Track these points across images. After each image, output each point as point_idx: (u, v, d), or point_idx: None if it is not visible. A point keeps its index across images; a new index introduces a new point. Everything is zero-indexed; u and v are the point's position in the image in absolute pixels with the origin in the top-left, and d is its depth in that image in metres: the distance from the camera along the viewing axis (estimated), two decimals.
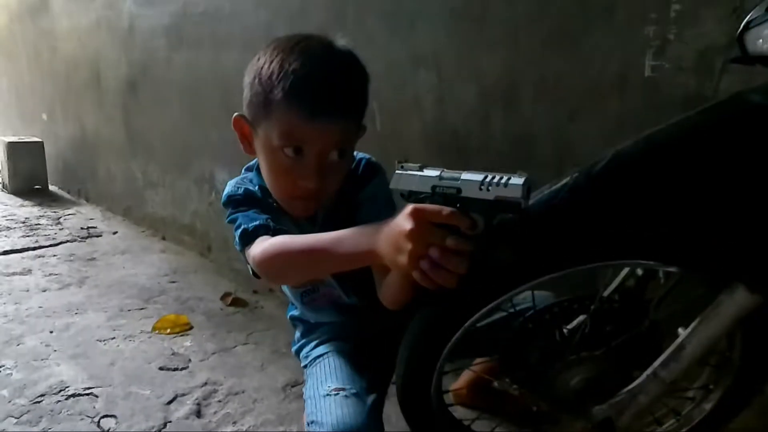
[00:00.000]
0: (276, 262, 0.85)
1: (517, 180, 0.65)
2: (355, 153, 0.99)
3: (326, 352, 1.07)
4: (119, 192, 3.24)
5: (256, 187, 0.97)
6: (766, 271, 0.73)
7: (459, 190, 0.68)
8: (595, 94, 1.24)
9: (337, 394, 0.97)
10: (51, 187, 3.90)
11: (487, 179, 0.66)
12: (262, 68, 0.84)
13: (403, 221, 0.67)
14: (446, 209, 0.66)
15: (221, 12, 2.22)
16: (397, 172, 0.73)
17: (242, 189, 0.97)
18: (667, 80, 1.14)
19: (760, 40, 0.66)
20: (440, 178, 0.70)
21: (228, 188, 0.99)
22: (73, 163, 3.76)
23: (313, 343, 1.12)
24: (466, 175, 0.68)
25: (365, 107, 0.90)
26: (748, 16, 0.69)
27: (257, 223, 0.90)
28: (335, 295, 1.07)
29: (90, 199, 3.60)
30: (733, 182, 0.70)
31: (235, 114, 0.90)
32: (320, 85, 0.80)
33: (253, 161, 0.99)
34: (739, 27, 0.70)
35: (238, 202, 0.95)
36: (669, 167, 0.72)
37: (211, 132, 2.41)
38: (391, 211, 0.88)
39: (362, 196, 0.96)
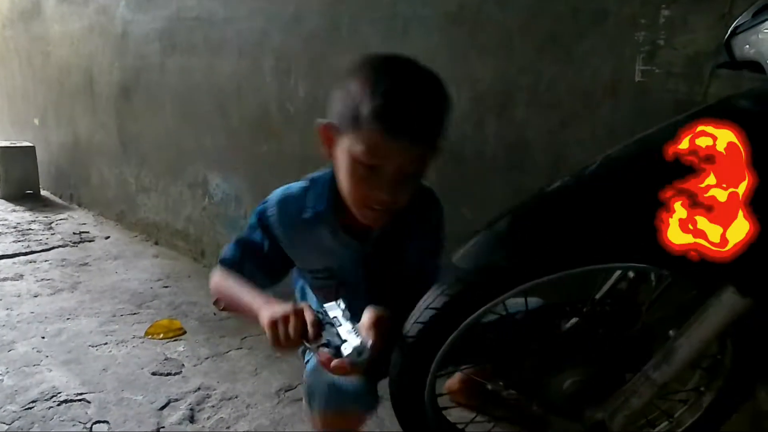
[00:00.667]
0: (215, 294, 1.08)
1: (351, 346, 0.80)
2: None
3: None
4: (112, 197, 3.23)
5: (321, 197, 1.02)
6: (756, 275, 0.74)
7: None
8: (588, 100, 1.26)
9: None
10: (43, 193, 3.88)
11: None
12: (353, 84, 0.88)
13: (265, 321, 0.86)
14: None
15: (215, 17, 2.22)
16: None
17: (275, 211, 1.04)
18: (658, 85, 1.15)
19: (747, 46, 0.67)
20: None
21: (269, 203, 1.06)
22: (65, 168, 3.75)
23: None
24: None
25: (444, 129, 0.92)
26: (735, 22, 0.70)
27: (228, 255, 1.07)
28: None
29: (82, 204, 3.59)
30: None
31: (321, 121, 0.95)
32: (405, 107, 0.85)
33: (320, 173, 1.04)
34: (727, 33, 0.71)
35: (256, 224, 1.06)
36: (657, 171, 0.72)
37: (205, 137, 2.41)
38: (442, 246, 1.08)
39: (420, 221, 1.05)
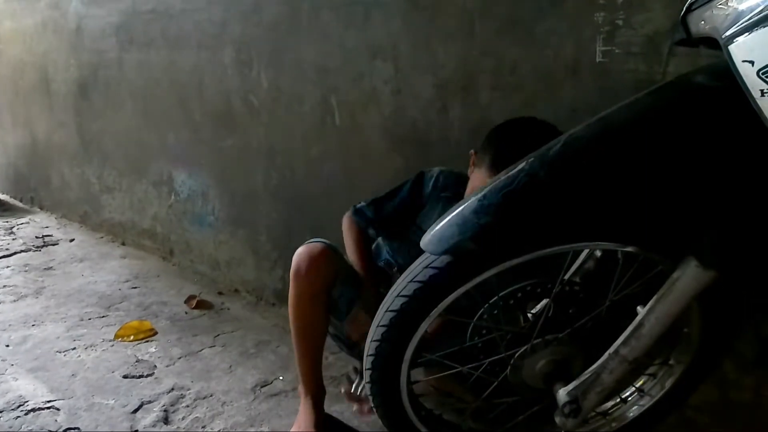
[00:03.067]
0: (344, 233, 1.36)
1: None
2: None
3: None
4: (75, 198, 3.14)
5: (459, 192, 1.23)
6: (718, 246, 0.75)
7: None
8: (550, 80, 1.26)
9: None
10: (2, 196, 3.75)
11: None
12: (494, 135, 1.16)
13: None
14: None
15: (172, 9, 2.17)
16: None
17: (442, 175, 1.31)
18: (618, 65, 1.16)
19: (702, 22, 0.68)
20: None
21: (435, 172, 1.32)
22: (24, 171, 3.63)
23: None
24: None
25: None
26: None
27: (363, 205, 1.34)
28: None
29: (44, 206, 3.48)
30: (680, 160, 0.72)
31: (473, 151, 1.21)
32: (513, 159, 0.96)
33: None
34: (682, 10, 0.72)
35: (410, 186, 1.32)
36: (620, 149, 0.73)
37: (168, 133, 2.36)
38: None
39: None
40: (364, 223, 1.33)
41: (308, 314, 1.24)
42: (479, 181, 1.12)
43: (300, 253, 1.21)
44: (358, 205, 1.35)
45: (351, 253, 1.31)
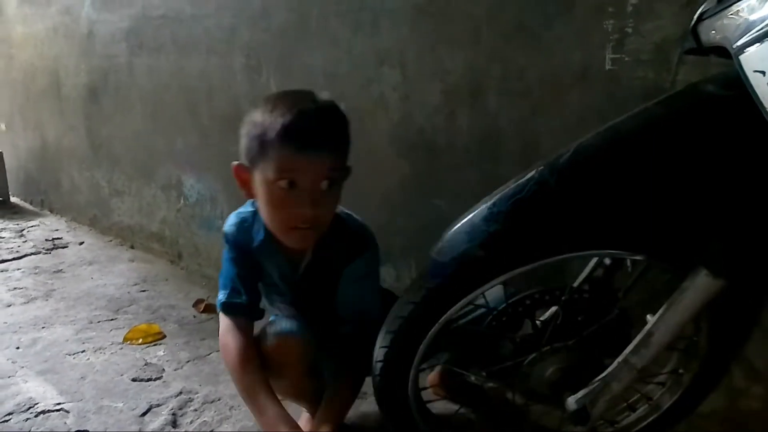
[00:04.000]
0: (222, 350, 1.12)
1: None
2: (352, 216, 1.15)
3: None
4: (84, 202, 3.16)
5: (261, 226, 1.09)
6: (728, 256, 0.75)
7: None
8: (558, 87, 1.26)
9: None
10: (13, 199, 3.78)
11: None
12: (256, 118, 0.98)
13: None
14: None
15: (182, 15, 2.18)
16: None
17: (234, 231, 1.13)
18: (627, 73, 1.16)
19: (713, 31, 0.68)
20: None
21: (226, 226, 1.15)
22: (34, 174, 3.66)
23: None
24: None
25: (348, 146, 1.02)
26: (701, 8, 0.71)
27: (234, 300, 1.10)
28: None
29: (54, 210, 3.51)
30: (689, 170, 0.72)
31: (234, 163, 1.03)
32: (307, 123, 0.94)
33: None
34: (693, 19, 0.72)
35: (229, 245, 1.14)
36: (629, 157, 0.73)
37: (176, 138, 2.37)
38: (374, 293, 1.13)
39: (348, 271, 1.09)
40: (245, 313, 1.11)
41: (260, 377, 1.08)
42: (269, 176, 0.95)
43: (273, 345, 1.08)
44: (225, 300, 1.11)
45: (247, 382, 1.06)
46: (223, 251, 1.15)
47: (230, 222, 1.14)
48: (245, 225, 1.12)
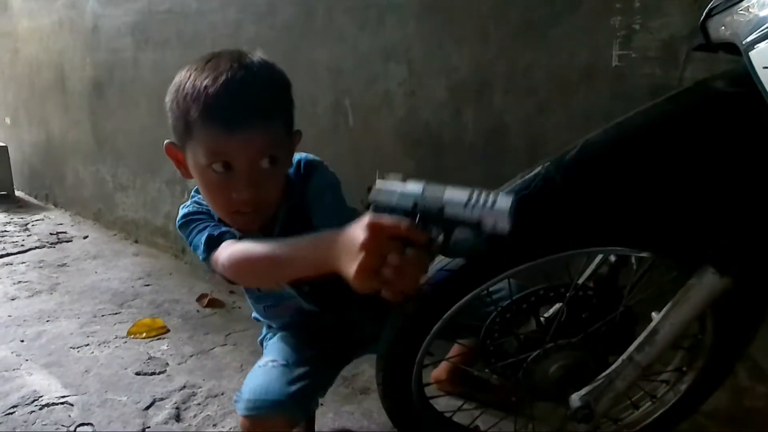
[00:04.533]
0: (241, 267, 0.87)
1: (504, 202, 0.62)
2: (296, 156, 1.00)
3: (279, 335, 1.12)
4: (89, 196, 3.17)
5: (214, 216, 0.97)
6: (734, 254, 0.75)
7: (442, 209, 0.65)
8: (564, 84, 1.26)
9: (266, 365, 1.01)
10: (17, 193, 3.79)
11: (473, 199, 0.64)
12: (177, 91, 0.85)
13: (359, 232, 0.65)
14: (404, 223, 0.65)
15: (187, 9, 2.18)
16: (376, 185, 0.70)
17: (198, 208, 0.99)
18: (634, 69, 1.16)
19: (722, 27, 0.67)
20: (422, 193, 0.67)
21: (182, 211, 1.00)
22: (39, 168, 3.67)
23: (272, 333, 1.16)
24: (449, 193, 0.66)
25: (289, 112, 0.90)
26: (710, 4, 0.70)
27: (223, 229, 0.92)
28: (296, 305, 1.07)
29: (59, 204, 3.52)
30: (697, 167, 0.72)
31: (165, 141, 0.91)
32: (234, 97, 0.81)
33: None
34: (702, 15, 0.72)
35: (196, 218, 0.97)
36: (636, 154, 0.73)
37: None
38: (341, 203, 0.97)
39: (309, 197, 0.96)
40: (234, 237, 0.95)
41: None
42: (201, 158, 0.84)
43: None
44: (215, 233, 0.94)
45: (268, 251, 0.82)
46: (185, 236, 1.00)
47: (183, 212, 1.00)
48: (203, 208, 0.98)
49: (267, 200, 0.90)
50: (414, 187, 0.68)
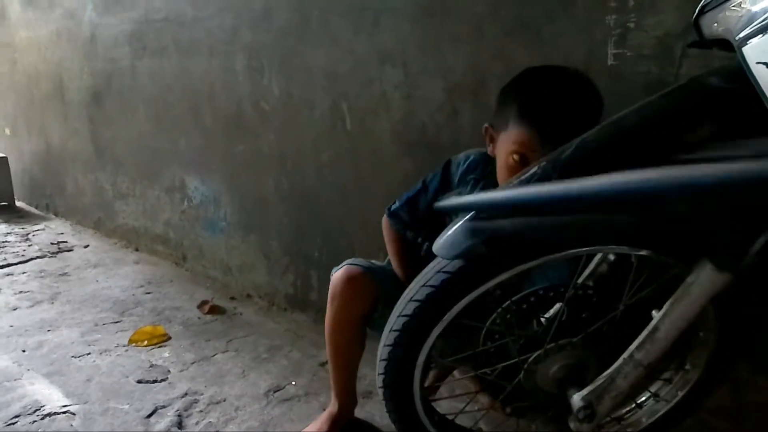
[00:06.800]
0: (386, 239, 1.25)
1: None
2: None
3: None
4: (89, 204, 3.17)
5: (484, 173, 1.14)
6: (732, 248, 0.74)
7: None
8: None
9: None
10: (18, 203, 3.80)
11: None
12: (511, 92, 1.04)
13: None
14: None
15: (183, 17, 2.19)
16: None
17: (461, 161, 1.18)
18: (630, 67, 1.16)
19: (715, 24, 0.67)
20: None
21: (458, 156, 1.19)
22: (39, 178, 3.68)
23: None
24: None
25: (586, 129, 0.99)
26: (703, 1, 0.70)
27: (397, 206, 1.22)
28: None
29: (59, 213, 3.52)
30: (693, 163, 0.71)
31: (486, 124, 1.10)
32: (553, 108, 0.96)
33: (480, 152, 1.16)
34: (695, 12, 0.72)
35: (440, 175, 1.20)
36: (632, 152, 0.73)
37: (180, 140, 2.38)
38: None
39: None
40: (402, 227, 1.23)
41: (344, 338, 1.24)
42: (507, 146, 1.01)
43: (337, 277, 1.19)
44: (393, 207, 1.24)
45: (393, 260, 1.24)
46: (427, 176, 1.22)
47: (461, 155, 1.19)
48: (474, 160, 1.16)
49: None
50: None
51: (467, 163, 1.17)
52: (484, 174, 1.13)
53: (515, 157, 0.99)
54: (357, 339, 1.25)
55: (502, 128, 1.04)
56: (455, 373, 1.28)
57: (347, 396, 1.33)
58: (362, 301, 1.18)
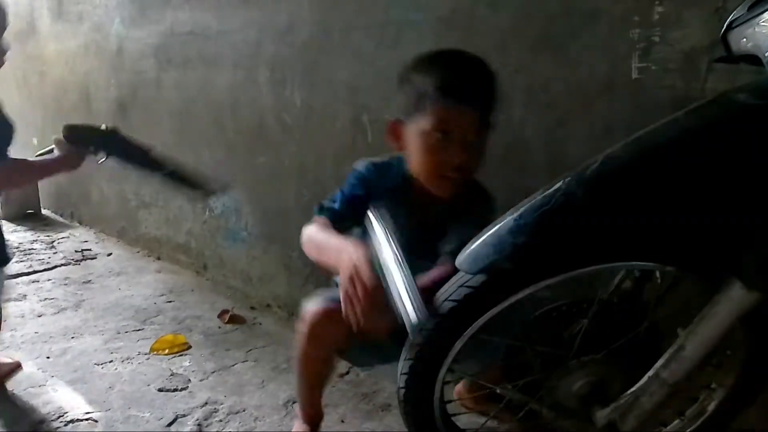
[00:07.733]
0: (305, 243, 1.12)
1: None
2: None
3: None
4: (113, 213, 3.22)
5: (400, 174, 1.13)
6: (762, 267, 0.73)
7: None
8: (584, 98, 1.25)
9: None
10: (44, 212, 3.87)
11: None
12: (412, 75, 1.06)
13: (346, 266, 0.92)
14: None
15: (209, 31, 2.22)
16: None
17: (371, 169, 1.15)
18: (654, 82, 1.15)
19: (744, 39, 0.67)
20: None
21: (360, 165, 1.16)
22: (65, 187, 3.75)
23: None
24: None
25: (495, 104, 1.05)
26: (731, 16, 0.70)
27: (334, 206, 1.13)
28: None
29: (83, 221, 3.58)
30: (722, 180, 0.71)
31: (390, 118, 1.12)
32: (463, 78, 1.01)
33: (394, 157, 1.16)
34: (723, 27, 0.71)
35: (354, 181, 1.15)
36: (659, 168, 0.72)
37: (202, 151, 2.41)
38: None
39: (465, 213, 1.11)
40: (330, 216, 1.13)
41: (318, 374, 1.24)
42: (426, 127, 1.01)
43: (314, 314, 1.10)
44: (322, 204, 1.16)
45: (321, 240, 1.08)
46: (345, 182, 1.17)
47: (365, 164, 1.17)
48: (384, 169, 1.16)
49: (470, 168, 1.06)
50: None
51: (380, 171, 1.15)
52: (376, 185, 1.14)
53: (438, 135, 1.01)
54: (331, 369, 1.26)
55: (412, 115, 1.05)
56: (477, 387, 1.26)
57: (314, 411, 1.31)
58: (340, 339, 1.09)
